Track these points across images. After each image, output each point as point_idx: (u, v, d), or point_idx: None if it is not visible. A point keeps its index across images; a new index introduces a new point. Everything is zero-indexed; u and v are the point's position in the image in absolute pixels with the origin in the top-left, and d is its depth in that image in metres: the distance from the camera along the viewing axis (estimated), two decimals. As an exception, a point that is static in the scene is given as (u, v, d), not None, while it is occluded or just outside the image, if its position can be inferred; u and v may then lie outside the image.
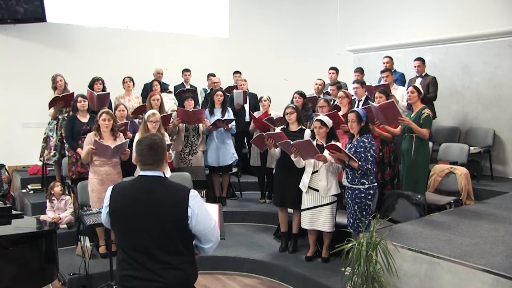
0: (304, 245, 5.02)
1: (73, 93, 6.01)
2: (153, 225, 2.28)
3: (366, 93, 5.90)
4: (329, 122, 4.56)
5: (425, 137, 4.94)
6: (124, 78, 6.74)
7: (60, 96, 6.07)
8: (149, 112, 5.15)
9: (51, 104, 6.06)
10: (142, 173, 2.38)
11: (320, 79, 6.84)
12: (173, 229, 2.29)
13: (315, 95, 6.71)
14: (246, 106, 7.02)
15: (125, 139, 5.17)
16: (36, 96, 6.96)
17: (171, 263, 2.29)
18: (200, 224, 2.32)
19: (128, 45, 8.43)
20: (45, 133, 6.26)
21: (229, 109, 6.30)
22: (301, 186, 4.68)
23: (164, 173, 2.49)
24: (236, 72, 7.91)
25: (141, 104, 6.51)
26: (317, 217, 4.59)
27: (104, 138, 4.78)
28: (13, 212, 4.03)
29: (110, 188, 2.46)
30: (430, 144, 5.49)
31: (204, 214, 2.35)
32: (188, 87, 7.81)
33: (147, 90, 7.16)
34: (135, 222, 2.31)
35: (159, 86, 6.95)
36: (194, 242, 2.42)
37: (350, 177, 4.29)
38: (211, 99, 6.27)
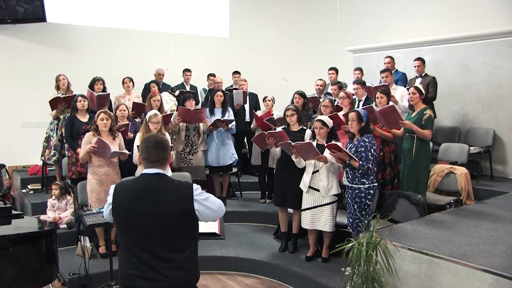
0: (304, 245, 5.02)
1: (75, 94, 6.02)
2: (157, 223, 2.28)
3: (366, 93, 5.91)
4: (329, 122, 4.57)
5: (427, 138, 4.93)
6: (124, 78, 6.74)
7: (62, 97, 6.08)
8: (151, 113, 5.14)
9: (52, 103, 6.06)
10: (145, 171, 2.39)
11: (321, 80, 6.84)
12: (177, 226, 2.30)
13: (315, 95, 6.71)
14: (246, 106, 7.03)
15: (125, 139, 5.18)
16: (36, 96, 6.96)
17: (175, 261, 2.29)
18: (208, 210, 2.36)
19: (128, 45, 8.44)
20: (46, 133, 6.27)
21: (230, 109, 6.31)
22: (301, 186, 4.69)
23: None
24: (235, 72, 7.92)
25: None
26: (317, 217, 4.59)
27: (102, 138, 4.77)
28: (13, 212, 4.03)
29: (113, 186, 2.46)
30: (431, 144, 5.49)
31: (208, 200, 2.38)
32: (188, 87, 7.82)
33: (147, 90, 7.16)
34: (139, 220, 2.31)
35: (156, 87, 6.94)
36: None
37: (350, 177, 4.29)
38: (211, 99, 6.27)
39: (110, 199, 2.42)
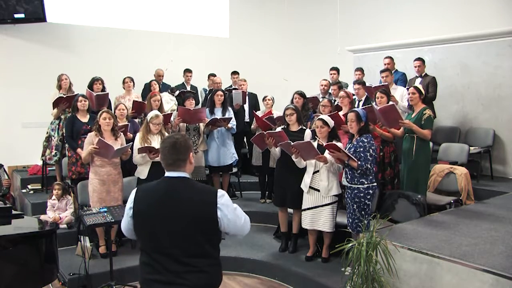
0: (304, 245, 5.03)
1: (76, 94, 6.02)
2: (179, 227, 2.22)
3: (366, 93, 5.91)
4: (330, 122, 4.57)
5: (427, 138, 4.93)
6: (124, 78, 6.73)
7: (65, 96, 6.08)
8: (152, 113, 5.13)
9: (55, 103, 6.06)
10: (167, 174, 2.32)
11: (326, 80, 6.86)
12: (199, 231, 2.23)
13: (319, 94, 6.74)
14: (246, 106, 7.03)
15: (127, 140, 5.17)
16: (36, 96, 6.96)
17: (197, 265, 2.23)
18: (231, 223, 2.28)
19: (128, 45, 8.44)
20: (47, 133, 6.27)
21: (230, 109, 6.30)
22: (302, 186, 4.69)
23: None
24: (234, 72, 7.92)
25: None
26: (317, 217, 4.59)
27: (105, 138, 4.76)
28: (13, 212, 4.03)
29: (134, 190, 2.40)
30: (431, 144, 5.49)
31: (233, 213, 2.30)
32: (189, 87, 7.81)
33: (147, 90, 7.16)
34: (160, 223, 2.25)
35: (157, 85, 6.94)
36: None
37: (349, 177, 4.29)
38: (211, 99, 6.27)
39: (130, 203, 2.36)
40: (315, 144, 4.51)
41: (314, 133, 4.71)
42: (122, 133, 5.06)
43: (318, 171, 4.58)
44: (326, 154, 4.43)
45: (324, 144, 4.39)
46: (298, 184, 4.72)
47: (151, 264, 2.27)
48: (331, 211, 4.56)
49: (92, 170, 4.86)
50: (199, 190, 2.32)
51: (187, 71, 7.91)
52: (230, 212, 2.28)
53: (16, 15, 7.13)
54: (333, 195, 4.55)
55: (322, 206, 4.57)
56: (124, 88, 6.76)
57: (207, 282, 2.27)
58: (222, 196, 2.28)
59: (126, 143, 5.01)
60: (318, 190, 4.57)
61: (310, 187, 4.61)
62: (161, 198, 2.28)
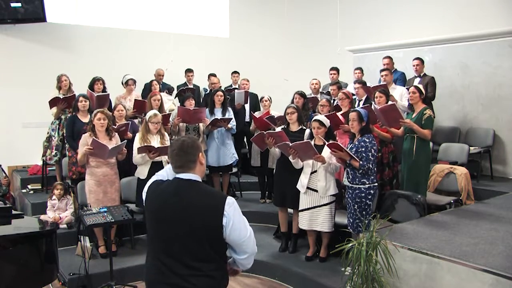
0: (304, 245, 5.02)
1: (74, 94, 6.01)
2: (185, 230, 2.20)
3: (366, 93, 5.91)
4: (326, 122, 4.57)
5: (427, 138, 4.93)
6: (128, 80, 6.61)
7: (62, 97, 6.07)
8: (151, 113, 5.13)
9: (51, 103, 6.06)
10: (177, 175, 2.29)
11: (316, 79, 6.89)
12: (205, 236, 2.20)
13: (310, 94, 6.74)
14: (247, 106, 7.03)
15: (124, 139, 5.15)
16: (36, 96, 6.95)
17: (202, 269, 2.21)
18: (235, 233, 2.22)
19: (128, 45, 8.44)
20: (48, 133, 6.26)
21: (229, 109, 6.30)
22: (298, 186, 4.69)
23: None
24: (234, 72, 7.92)
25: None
26: (315, 217, 4.59)
27: (99, 139, 4.73)
28: (13, 212, 4.03)
29: (150, 181, 2.39)
30: (431, 144, 5.49)
31: (240, 223, 2.23)
32: (191, 87, 7.80)
33: (147, 90, 7.15)
34: (167, 226, 2.24)
35: (158, 86, 6.93)
36: (228, 252, 2.33)
37: (351, 177, 4.29)
38: (211, 99, 6.27)
39: (144, 193, 2.37)
40: (312, 144, 4.50)
41: (311, 133, 4.71)
42: (117, 134, 5.03)
43: (315, 171, 4.58)
44: (324, 153, 4.43)
45: (326, 144, 4.39)
46: (298, 184, 4.72)
47: (157, 266, 2.26)
48: (329, 211, 4.56)
49: (88, 171, 4.84)
50: (208, 195, 2.27)
51: (189, 71, 7.89)
52: (236, 221, 2.22)
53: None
54: (331, 195, 4.56)
55: (320, 206, 4.57)
56: (125, 88, 6.71)
57: (213, 287, 2.26)
58: (231, 204, 2.22)
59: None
60: (316, 191, 4.57)
61: (307, 187, 4.61)
62: (169, 200, 2.26)
